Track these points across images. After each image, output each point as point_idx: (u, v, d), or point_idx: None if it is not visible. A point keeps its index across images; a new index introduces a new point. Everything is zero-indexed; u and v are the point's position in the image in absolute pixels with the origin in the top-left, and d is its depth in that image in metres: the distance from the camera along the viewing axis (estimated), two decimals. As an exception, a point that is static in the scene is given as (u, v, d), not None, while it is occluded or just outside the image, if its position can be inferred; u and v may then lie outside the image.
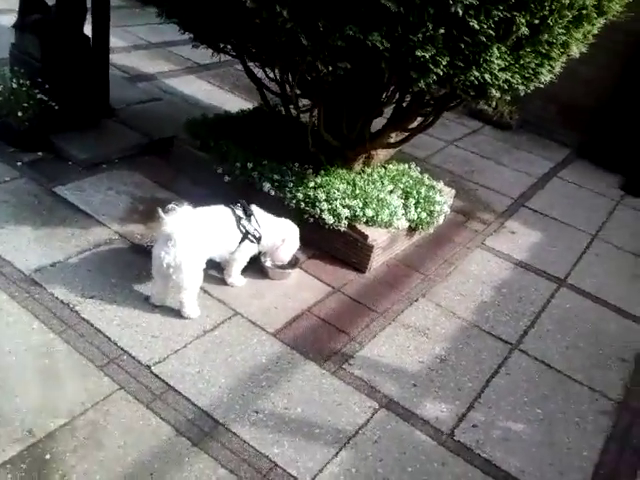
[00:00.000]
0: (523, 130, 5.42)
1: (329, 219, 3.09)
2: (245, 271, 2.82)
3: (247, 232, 2.67)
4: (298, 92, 3.25)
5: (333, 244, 3.19)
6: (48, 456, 1.92)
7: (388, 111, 3.42)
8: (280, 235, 2.83)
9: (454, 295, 3.14)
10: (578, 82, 5.12)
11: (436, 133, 4.89)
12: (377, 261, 3.21)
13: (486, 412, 2.46)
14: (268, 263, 2.91)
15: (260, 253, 2.87)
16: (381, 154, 3.74)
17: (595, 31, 3.07)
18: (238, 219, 2.66)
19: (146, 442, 2.02)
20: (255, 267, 2.89)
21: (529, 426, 2.44)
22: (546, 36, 2.60)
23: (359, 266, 3.16)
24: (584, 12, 2.69)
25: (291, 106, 3.40)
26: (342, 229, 3.12)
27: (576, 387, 2.70)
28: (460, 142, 4.98)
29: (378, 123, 3.44)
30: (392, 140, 3.60)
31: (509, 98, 3.12)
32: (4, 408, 2.03)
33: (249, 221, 2.69)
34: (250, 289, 2.82)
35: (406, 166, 3.72)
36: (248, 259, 2.79)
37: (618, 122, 4.93)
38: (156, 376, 2.25)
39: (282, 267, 2.94)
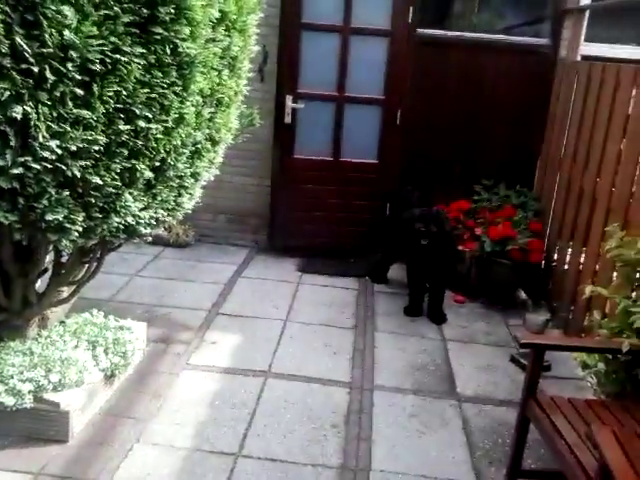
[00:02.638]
0: (201, 243, 5.73)
1: (9, 401, 2.79)
2: None
3: None
4: None
5: (23, 424, 2.88)
6: None
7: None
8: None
9: (169, 427, 3.08)
10: (237, 191, 5.69)
11: (118, 269, 4.87)
12: (79, 423, 2.98)
13: (225, 535, 2.42)
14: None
15: None
16: (58, 310, 3.56)
17: (219, 157, 3.47)
18: None
19: None
20: None
21: (269, 529, 2.48)
22: (171, 173, 2.85)
23: (59, 436, 2.89)
24: (199, 146, 3.03)
25: None
26: (28, 406, 2.84)
27: (300, 470, 2.85)
28: (144, 271, 5.03)
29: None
30: (65, 294, 3.46)
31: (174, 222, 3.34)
32: None
33: None
34: None
35: (87, 315, 3.60)
36: None
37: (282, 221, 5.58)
38: None
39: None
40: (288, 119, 5.36)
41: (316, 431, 3.16)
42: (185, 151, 2.87)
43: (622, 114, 3.81)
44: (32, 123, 2.17)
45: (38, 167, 2.25)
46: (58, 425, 2.89)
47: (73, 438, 2.92)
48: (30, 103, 2.15)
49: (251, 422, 3.17)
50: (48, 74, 2.14)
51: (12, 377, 2.86)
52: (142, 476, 2.72)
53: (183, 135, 2.75)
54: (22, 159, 2.21)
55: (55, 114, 2.22)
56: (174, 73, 2.57)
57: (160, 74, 2.50)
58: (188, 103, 2.68)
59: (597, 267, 3.98)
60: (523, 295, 3.98)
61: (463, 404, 3.51)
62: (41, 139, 2.20)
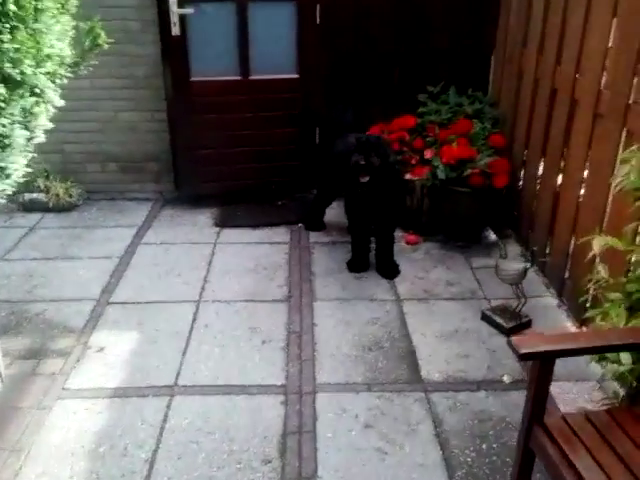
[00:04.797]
0: (92, 201, 4.60)
1: None
2: None
3: None
4: None
5: None
6: None
7: None
8: None
9: (31, 505, 2.17)
10: (125, 131, 4.51)
11: (-22, 254, 3.78)
12: None
13: None
14: None
15: None
16: None
17: (51, 97, 2.35)
18: None
19: None
20: None
21: None
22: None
23: None
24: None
25: None
26: None
27: None
28: (15, 252, 3.92)
29: None
30: None
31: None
32: None
33: None
34: None
35: None
36: None
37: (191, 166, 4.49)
38: None
39: None
40: (176, 30, 4.13)
41: (241, 474, 2.30)
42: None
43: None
44: None
45: None
46: None
47: None
48: None
49: (149, 476, 2.28)
50: None
51: None
52: None
53: None
54: None
55: None
56: None
57: None
58: None
59: (581, 192, 3.14)
60: (493, 236, 3.12)
61: (431, 395, 2.70)
62: None
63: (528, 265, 3.01)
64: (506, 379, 2.80)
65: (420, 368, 2.87)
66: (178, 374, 2.82)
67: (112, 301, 3.39)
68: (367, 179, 3.34)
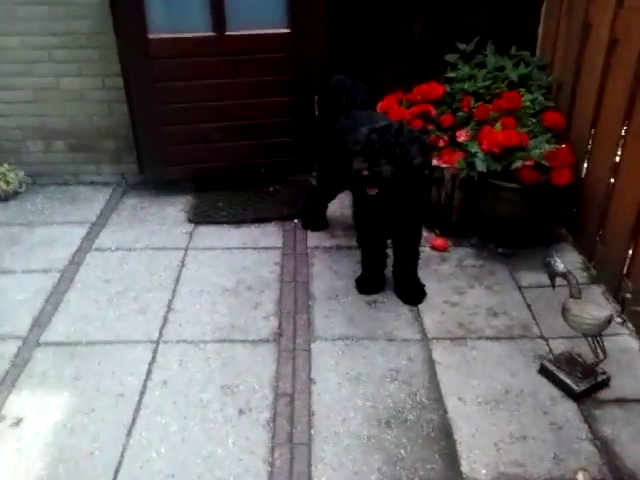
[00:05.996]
0: (38, 187, 3.70)
1: None
2: None
3: None
4: None
5: None
6: None
7: None
8: None
9: None
10: (72, 101, 3.55)
11: None
12: None
13: None
14: None
15: None
16: None
17: None
18: None
19: None
20: None
21: None
22: None
23: None
24: None
25: None
26: None
27: None
28: None
29: None
30: None
31: None
32: None
33: None
34: None
35: None
36: None
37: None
38: None
39: None
40: (127, -30, 3.14)
41: None
42: None
43: None
44: None
45: None
46: None
47: None
48: None
49: None
50: None
51: None
52: None
53: None
54: None
55: None
56: None
57: None
58: None
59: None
60: (560, 266, 2.24)
61: (479, 510, 1.89)
62: None
63: (614, 314, 2.14)
64: (581, 479, 1.98)
65: (459, 458, 2.05)
66: (117, 470, 2.00)
67: (43, 341, 2.54)
68: (375, 192, 2.41)
